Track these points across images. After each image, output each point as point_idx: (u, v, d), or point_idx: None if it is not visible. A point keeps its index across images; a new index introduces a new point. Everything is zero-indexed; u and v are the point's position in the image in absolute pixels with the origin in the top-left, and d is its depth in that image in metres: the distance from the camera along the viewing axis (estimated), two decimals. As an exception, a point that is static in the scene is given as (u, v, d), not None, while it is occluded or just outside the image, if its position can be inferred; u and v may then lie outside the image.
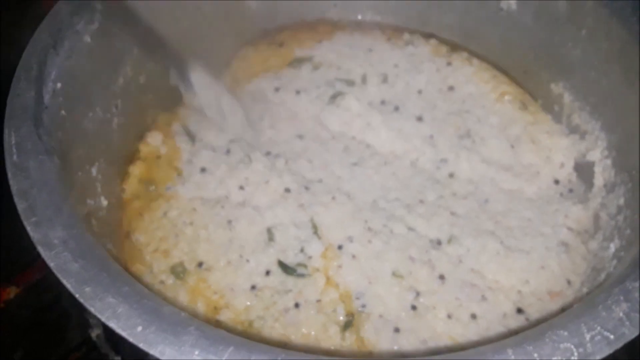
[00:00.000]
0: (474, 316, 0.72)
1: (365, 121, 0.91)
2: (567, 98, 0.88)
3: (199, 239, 0.79)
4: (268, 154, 0.88)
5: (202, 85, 0.86)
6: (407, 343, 0.70)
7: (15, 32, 0.74)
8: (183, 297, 0.73)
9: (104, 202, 0.74)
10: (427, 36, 1.03)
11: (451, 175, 0.86)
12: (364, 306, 0.73)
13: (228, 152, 0.88)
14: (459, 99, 0.95)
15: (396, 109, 0.94)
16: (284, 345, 0.67)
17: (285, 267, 0.76)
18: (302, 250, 0.77)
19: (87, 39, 0.73)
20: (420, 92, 0.96)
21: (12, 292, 0.88)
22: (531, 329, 0.50)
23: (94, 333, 0.83)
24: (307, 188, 0.83)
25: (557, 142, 0.88)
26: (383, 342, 0.70)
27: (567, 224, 0.81)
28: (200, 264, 0.76)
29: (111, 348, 0.82)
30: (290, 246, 0.78)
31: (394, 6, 1.03)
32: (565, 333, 0.49)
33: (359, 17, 1.06)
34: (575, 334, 0.49)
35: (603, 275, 0.70)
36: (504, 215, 0.82)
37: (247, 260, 0.76)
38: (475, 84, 0.97)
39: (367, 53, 1.01)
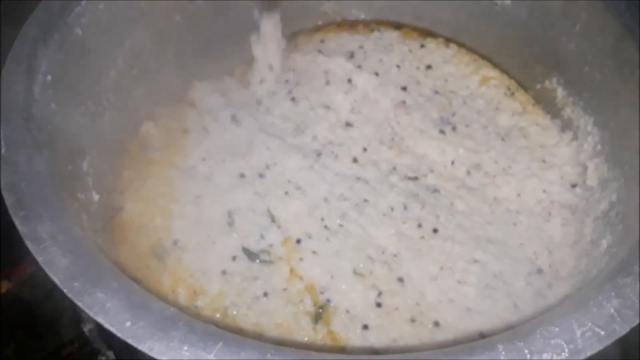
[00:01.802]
0: (436, 324, 0.72)
1: (346, 76, 0.88)
2: (560, 93, 0.88)
3: (172, 213, 0.78)
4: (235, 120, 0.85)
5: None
6: (377, 341, 0.70)
7: (6, 25, 0.74)
8: (166, 281, 0.74)
9: (96, 197, 0.74)
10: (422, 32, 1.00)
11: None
12: (329, 300, 0.73)
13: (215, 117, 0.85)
14: (440, 77, 0.92)
15: (376, 74, 0.90)
16: (259, 336, 0.68)
17: (249, 253, 0.76)
18: (262, 237, 0.77)
19: (78, 31, 0.73)
20: (398, 67, 0.92)
21: (4, 286, 0.87)
22: (522, 325, 0.50)
23: (87, 328, 0.83)
24: (261, 176, 0.82)
25: (549, 138, 0.88)
26: (353, 338, 0.70)
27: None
28: (175, 242, 0.76)
29: (103, 342, 0.83)
30: (250, 232, 0.77)
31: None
32: (556, 329, 0.49)
33: (352, 11, 1.04)
34: (566, 330, 0.49)
35: (595, 272, 0.70)
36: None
37: (214, 243, 0.76)
38: (454, 65, 0.94)
39: (319, 44, 0.95)
